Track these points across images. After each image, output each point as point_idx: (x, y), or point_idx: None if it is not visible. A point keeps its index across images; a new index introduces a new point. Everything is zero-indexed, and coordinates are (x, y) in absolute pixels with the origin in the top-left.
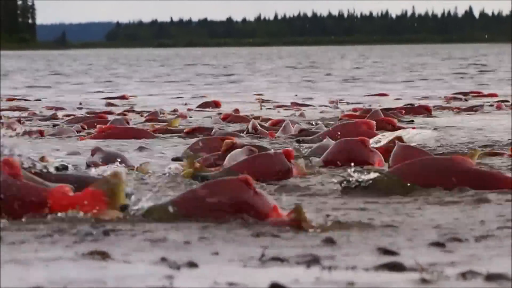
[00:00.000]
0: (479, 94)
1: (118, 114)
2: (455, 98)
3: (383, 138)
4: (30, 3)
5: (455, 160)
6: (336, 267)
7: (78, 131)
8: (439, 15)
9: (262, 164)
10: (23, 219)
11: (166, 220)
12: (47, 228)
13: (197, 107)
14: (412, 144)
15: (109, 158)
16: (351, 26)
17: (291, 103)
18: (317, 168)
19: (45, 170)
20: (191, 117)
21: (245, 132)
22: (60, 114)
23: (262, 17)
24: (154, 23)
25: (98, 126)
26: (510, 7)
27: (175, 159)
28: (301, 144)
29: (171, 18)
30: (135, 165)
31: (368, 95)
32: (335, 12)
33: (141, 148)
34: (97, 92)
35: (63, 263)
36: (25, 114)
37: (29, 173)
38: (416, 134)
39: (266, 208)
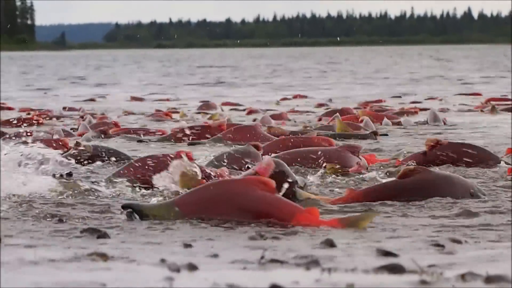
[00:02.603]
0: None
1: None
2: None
3: None
4: (29, 4)
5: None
6: (336, 269)
7: None
8: (438, 16)
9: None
10: (22, 222)
11: (169, 220)
12: (47, 229)
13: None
14: None
15: None
16: (350, 27)
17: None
18: None
19: None
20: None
21: None
22: None
23: (261, 18)
24: (153, 24)
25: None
26: (510, 8)
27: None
28: None
29: (170, 19)
30: None
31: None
32: (334, 13)
33: None
34: None
35: (63, 265)
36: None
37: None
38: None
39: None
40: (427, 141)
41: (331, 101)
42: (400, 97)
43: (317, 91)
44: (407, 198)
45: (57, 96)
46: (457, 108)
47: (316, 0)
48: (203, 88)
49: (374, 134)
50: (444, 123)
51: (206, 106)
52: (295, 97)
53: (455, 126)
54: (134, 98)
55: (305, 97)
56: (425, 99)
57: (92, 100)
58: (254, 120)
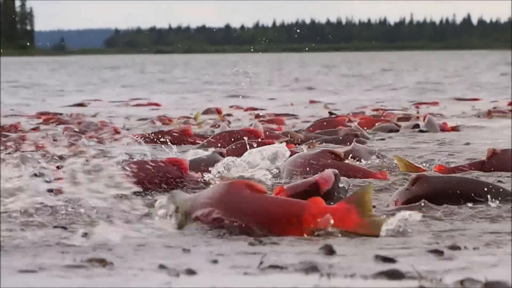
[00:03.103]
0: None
1: None
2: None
3: None
4: (28, 10)
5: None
6: (335, 274)
7: None
8: (437, 22)
9: None
10: (21, 226)
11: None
12: (46, 235)
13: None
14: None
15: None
16: (350, 33)
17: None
18: None
19: None
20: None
21: None
22: None
23: (260, 24)
24: (152, 30)
25: None
26: (509, 14)
27: None
28: None
29: (170, 25)
30: None
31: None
32: (333, 19)
33: None
34: None
35: (61, 270)
36: None
37: None
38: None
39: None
40: (489, 152)
41: (327, 107)
42: (383, 102)
43: (326, 97)
44: None
45: (57, 99)
46: (455, 114)
47: (316, 1)
48: (209, 93)
49: (355, 136)
50: (443, 130)
51: (209, 111)
52: (310, 102)
53: (463, 132)
54: (151, 104)
55: (320, 102)
56: (418, 103)
57: (82, 105)
58: (250, 125)
